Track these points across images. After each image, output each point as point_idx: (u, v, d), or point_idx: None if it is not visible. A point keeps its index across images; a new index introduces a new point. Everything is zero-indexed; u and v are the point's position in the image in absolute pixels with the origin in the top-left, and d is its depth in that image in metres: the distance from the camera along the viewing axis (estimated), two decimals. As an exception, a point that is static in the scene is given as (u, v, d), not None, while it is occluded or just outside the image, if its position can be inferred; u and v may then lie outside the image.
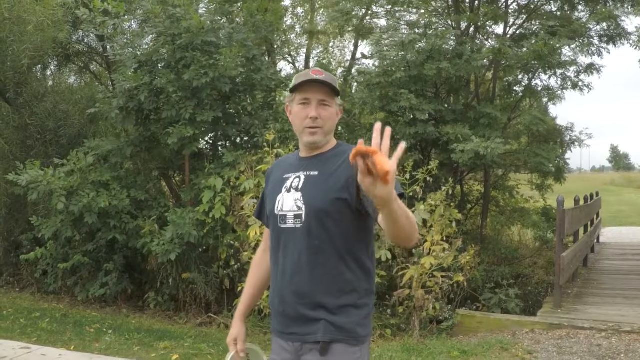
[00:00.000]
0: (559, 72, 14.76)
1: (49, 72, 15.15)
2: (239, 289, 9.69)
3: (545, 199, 16.88)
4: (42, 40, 11.37)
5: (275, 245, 2.96)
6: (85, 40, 14.30)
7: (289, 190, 2.92)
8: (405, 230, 2.46)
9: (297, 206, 2.85)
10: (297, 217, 2.85)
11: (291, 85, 2.97)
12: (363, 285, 2.86)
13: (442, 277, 9.15)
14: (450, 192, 11.82)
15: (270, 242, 3.05)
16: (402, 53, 12.47)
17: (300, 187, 2.90)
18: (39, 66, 13.88)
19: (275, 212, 2.95)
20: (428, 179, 9.89)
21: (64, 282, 11.84)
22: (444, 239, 9.29)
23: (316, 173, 2.89)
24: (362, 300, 2.84)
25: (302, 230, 2.83)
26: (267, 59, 14.05)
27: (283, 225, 2.90)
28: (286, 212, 2.89)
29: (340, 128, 13.79)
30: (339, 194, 2.77)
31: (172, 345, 8.52)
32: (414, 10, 15.96)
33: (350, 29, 16.96)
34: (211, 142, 12.31)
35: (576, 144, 16.12)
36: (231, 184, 10.44)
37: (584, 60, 14.58)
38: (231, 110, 11.79)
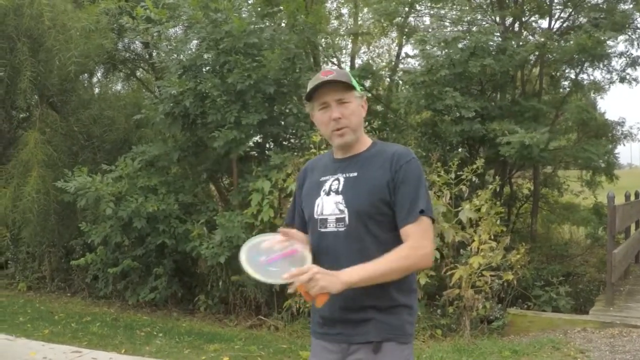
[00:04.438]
0: (603, 65, 14.51)
1: (95, 80, 15.36)
2: (289, 291, 9.70)
3: (596, 196, 16.59)
4: (88, 48, 11.51)
5: (316, 250, 2.87)
6: (131, 47, 14.45)
7: (328, 193, 2.88)
8: (399, 274, 2.72)
9: (339, 209, 2.81)
10: (339, 220, 2.80)
11: (305, 94, 2.94)
12: (407, 284, 2.83)
13: (492, 276, 9.04)
14: (497, 189, 11.68)
15: (311, 246, 2.91)
16: (446, 51, 12.36)
17: (340, 189, 2.85)
18: (86, 74, 14.06)
19: (315, 216, 2.90)
20: (473, 178, 9.79)
21: (114, 287, 12.00)
22: (492, 237, 9.19)
23: (355, 174, 2.85)
24: (408, 300, 2.83)
25: (346, 234, 2.78)
26: (311, 60, 14.03)
27: (323, 230, 2.85)
28: (327, 215, 2.85)
29: (387, 128, 13.78)
30: (380, 195, 2.76)
31: (222, 348, 8.58)
32: (457, 7, 15.80)
33: (394, 28, 16.83)
34: (258, 144, 12.32)
35: (628, 138, 15.82)
36: (279, 186, 10.44)
37: (633, 52, 14.33)
38: (277, 112, 11.80)
